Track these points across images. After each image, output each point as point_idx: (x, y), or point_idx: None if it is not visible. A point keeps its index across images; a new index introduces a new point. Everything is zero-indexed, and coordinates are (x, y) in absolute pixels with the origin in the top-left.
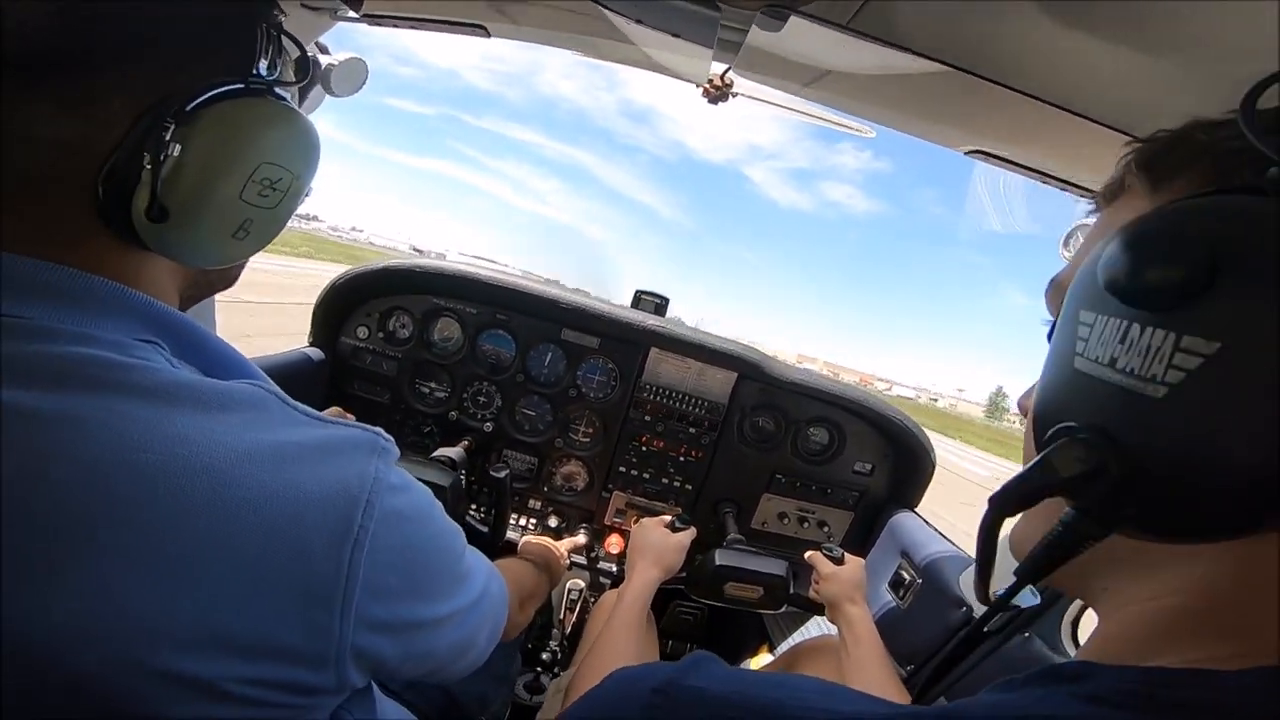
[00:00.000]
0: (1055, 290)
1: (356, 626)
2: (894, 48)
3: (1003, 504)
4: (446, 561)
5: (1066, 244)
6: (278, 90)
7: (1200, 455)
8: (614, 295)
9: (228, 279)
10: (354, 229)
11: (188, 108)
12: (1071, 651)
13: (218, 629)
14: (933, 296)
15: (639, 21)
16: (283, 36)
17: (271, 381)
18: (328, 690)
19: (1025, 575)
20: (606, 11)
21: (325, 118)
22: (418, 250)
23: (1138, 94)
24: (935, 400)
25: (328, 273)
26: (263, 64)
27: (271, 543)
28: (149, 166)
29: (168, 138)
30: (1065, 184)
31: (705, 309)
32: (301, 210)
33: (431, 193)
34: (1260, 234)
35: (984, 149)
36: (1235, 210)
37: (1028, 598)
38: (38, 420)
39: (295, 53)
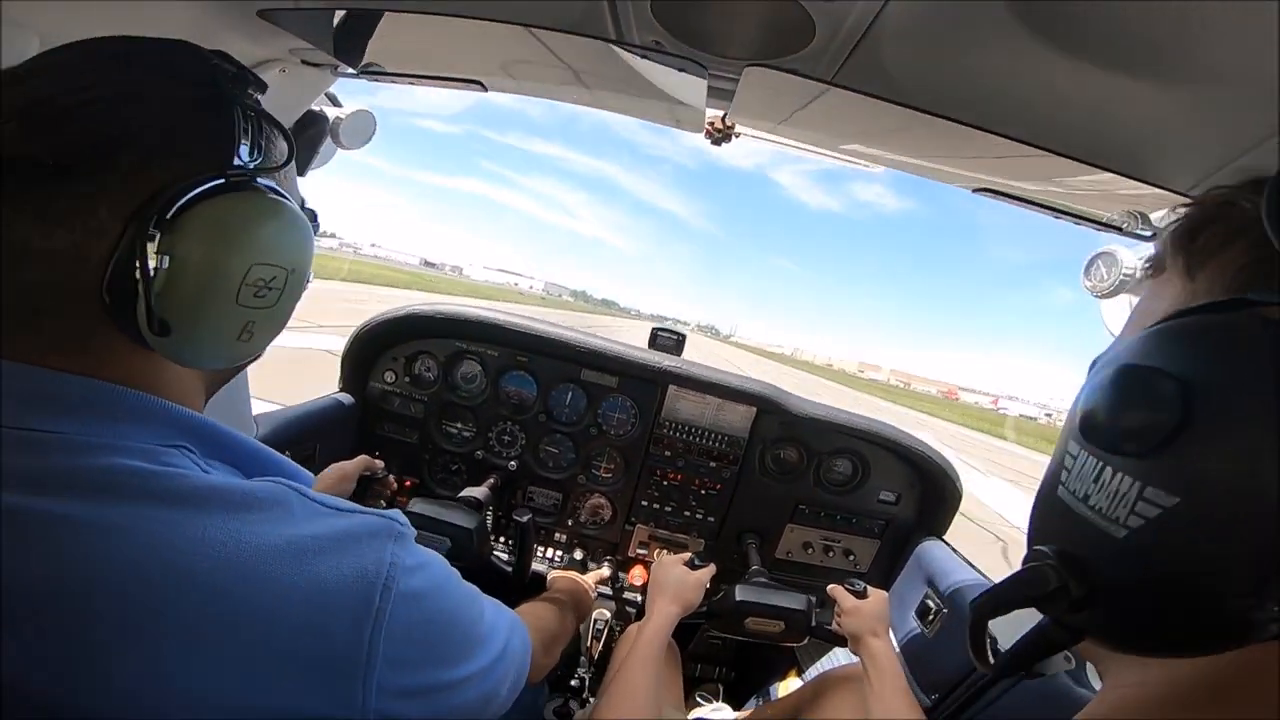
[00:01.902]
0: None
1: (380, 694)
2: (882, 100)
3: (983, 610)
4: (464, 627)
5: (1088, 273)
6: (260, 179)
7: (1149, 590)
8: (643, 306)
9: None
10: (373, 245)
11: (169, 214)
12: (1097, 686)
13: (259, 703)
14: (989, 298)
15: (635, 65)
16: (264, 121)
17: (294, 470)
18: None
19: (1002, 670)
20: (601, 65)
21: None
22: (430, 264)
23: (1133, 135)
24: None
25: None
26: (244, 149)
27: (297, 629)
28: (141, 280)
29: (154, 249)
30: (1081, 219)
31: (743, 319)
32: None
33: (460, 210)
34: (1241, 378)
35: (991, 187)
36: (1221, 347)
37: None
38: (82, 529)
39: (282, 139)
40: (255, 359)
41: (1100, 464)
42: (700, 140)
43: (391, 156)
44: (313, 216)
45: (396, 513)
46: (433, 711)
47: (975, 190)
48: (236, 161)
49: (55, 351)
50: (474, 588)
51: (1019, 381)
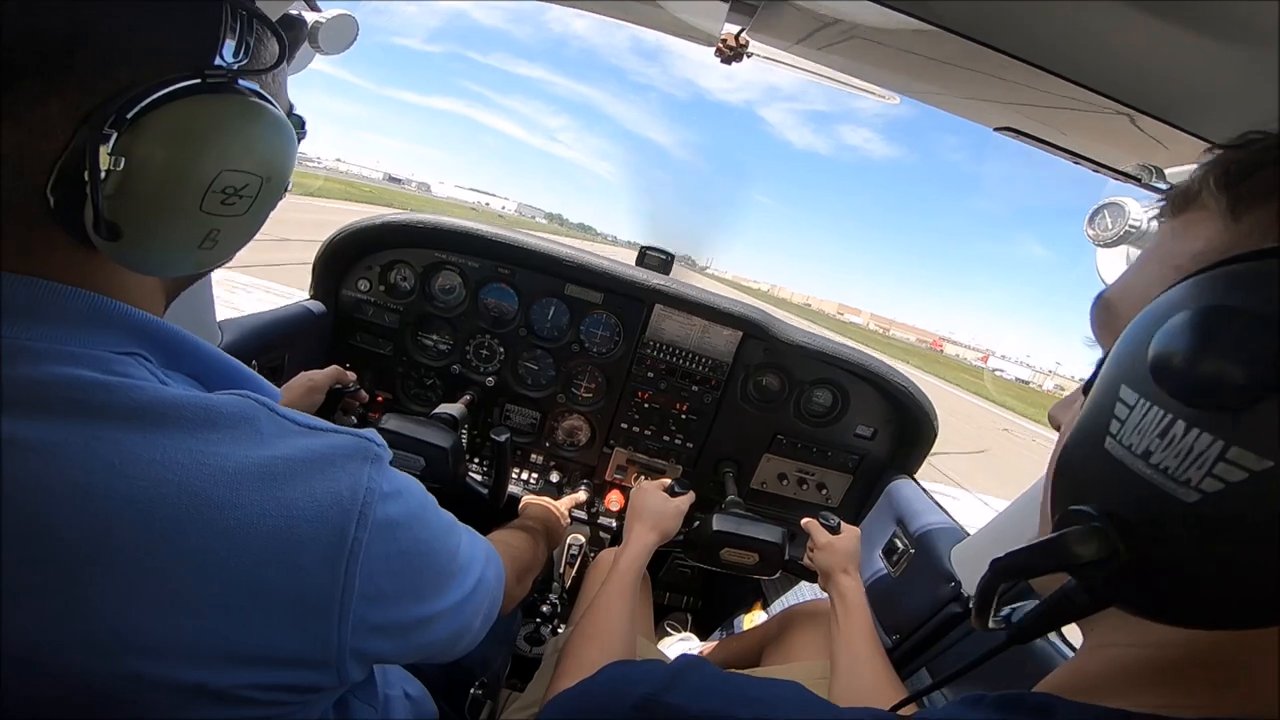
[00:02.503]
0: (1103, 311)
1: (355, 632)
2: (919, 20)
3: (1006, 572)
4: (441, 559)
5: (1092, 223)
6: (243, 82)
7: (1215, 564)
8: (620, 233)
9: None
10: (337, 159)
11: (130, 113)
12: (1053, 638)
13: (221, 643)
14: (973, 251)
15: None
16: (255, 19)
17: (260, 383)
18: (331, 687)
19: (1016, 638)
20: None
21: (331, 59)
22: (395, 179)
23: (1182, 80)
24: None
25: None
26: (228, 49)
27: (266, 562)
28: (90, 181)
29: (109, 149)
30: (1099, 166)
31: (720, 251)
32: None
33: (436, 128)
34: None
35: (1014, 126)
36: None
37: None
38: (24, 450)
39: (276, 38)
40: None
41: (1170, 416)
42: (691, 70)
43: (364, 73)
44: (300, 123)
45: (372, 433)
46: (406, 646)
47: (997, 129)
48: (218, 61)
49: (5, 254)
50: (450, 515)
51: (997, 335)
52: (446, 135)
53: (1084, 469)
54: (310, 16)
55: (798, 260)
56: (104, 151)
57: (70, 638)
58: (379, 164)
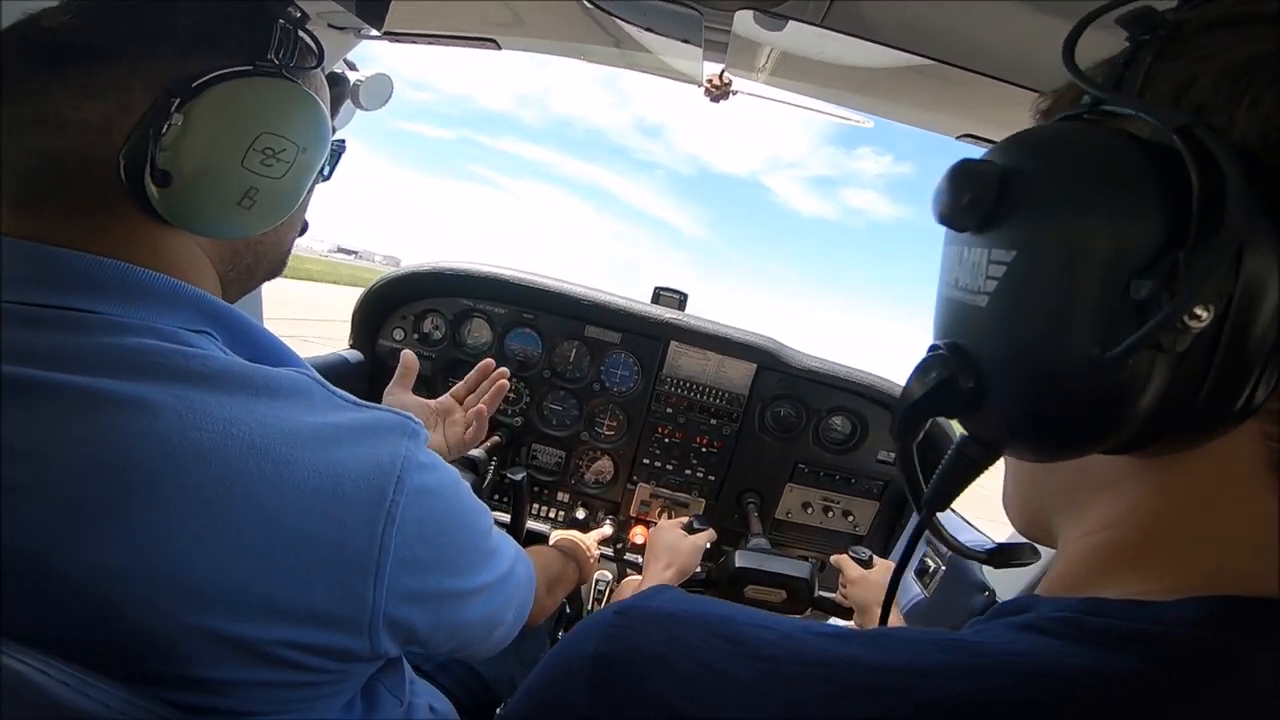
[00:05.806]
0: None
1: (389, 595)
2: (869, 41)
3: (898, 429)
4: (473, 537)
5: None
6: (288, 74)
7: (1024, 359)
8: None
9: (268, 264)
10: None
11: (193, 85)
12: None
13: (264, 593)
14: None
15: (632, 23)
16: (300, 31)
17: (313, 370)
18: (362, 657)
19: (932, 503)
20: (604, 16)
21: (357, 143)
22: (348, 252)
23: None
24: None
25: None
26: (278, 51)
27: (312, 513)
28: (152, 137)
29: (172, 110)
30: None
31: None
32: None
33: (449, 212)
34: (1047, 151)
35: (973, 133)
36: (1024, 137)
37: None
38: (115, 403)
39: (314, 48)
40: (276, 262)
41: (960, 247)
42: (694, 145)
43: (388, 157)
44: (340, 146)
45: (410, 414)
46: (439, 621)
47: (959, 137)
48: (269, 58)
49: (79, 228)
50: (483, 504)
51: None
52: (456, 217)
53: (936, 318)
54: (351, 76)
55: (818, 330)
56: (171, 112)
57: (134, 573)
58: (329, 236)
